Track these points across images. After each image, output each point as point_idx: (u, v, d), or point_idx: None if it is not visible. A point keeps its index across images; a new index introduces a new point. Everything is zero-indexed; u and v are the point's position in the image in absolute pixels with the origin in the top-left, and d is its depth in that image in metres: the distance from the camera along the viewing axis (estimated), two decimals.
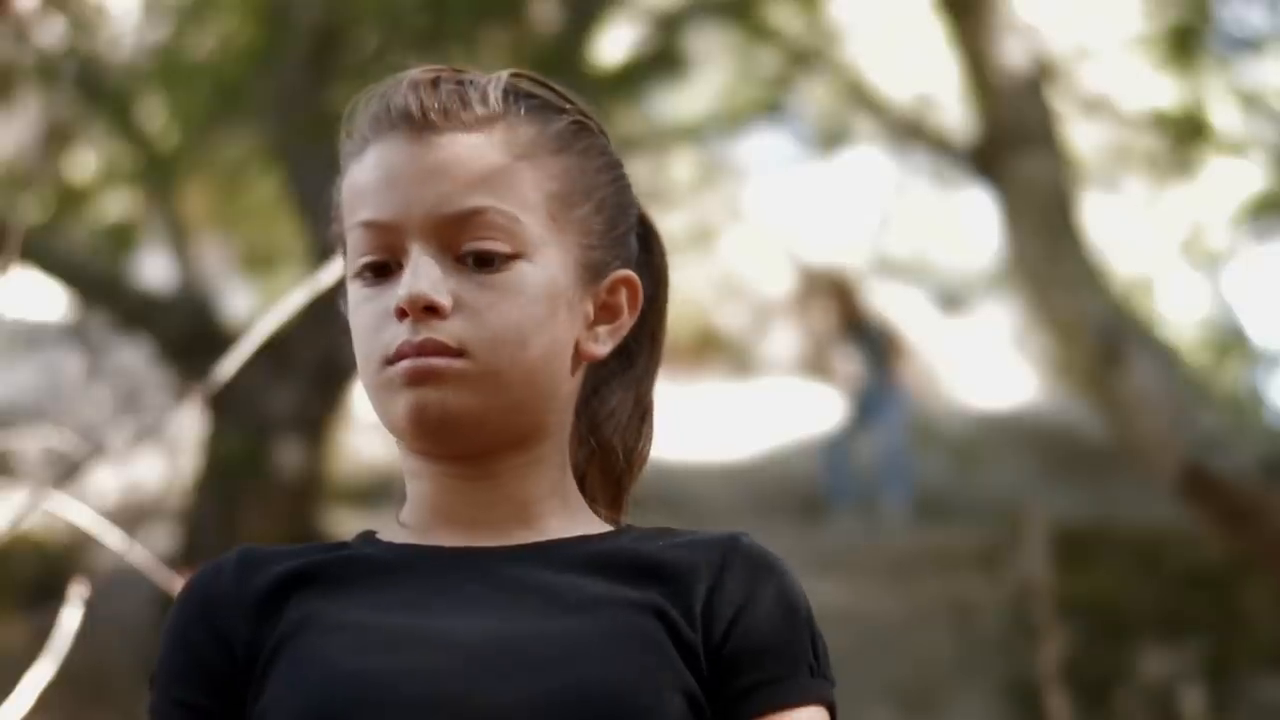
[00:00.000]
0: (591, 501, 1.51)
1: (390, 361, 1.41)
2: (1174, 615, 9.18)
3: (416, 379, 1.40)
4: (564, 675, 1.34)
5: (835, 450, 11.46)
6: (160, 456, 9.81)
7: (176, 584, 2.42)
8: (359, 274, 1.45)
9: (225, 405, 8.39)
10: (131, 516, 8.61)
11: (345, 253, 1.49)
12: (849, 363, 11.79)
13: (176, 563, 4.02)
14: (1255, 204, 10.62)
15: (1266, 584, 8.54)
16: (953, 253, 14.92)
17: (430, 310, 1.40)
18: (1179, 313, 12.83)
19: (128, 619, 7.61)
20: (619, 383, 1.54)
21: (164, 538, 9.03)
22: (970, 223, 13.82)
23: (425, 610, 1.40)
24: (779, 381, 14.29)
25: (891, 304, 14.13)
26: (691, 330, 14.16)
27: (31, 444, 6.96)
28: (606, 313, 1.49)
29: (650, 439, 1.57)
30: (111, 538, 2.64)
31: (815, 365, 14.42)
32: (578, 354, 1.47)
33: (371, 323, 1.43)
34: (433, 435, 1.42)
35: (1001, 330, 15.20)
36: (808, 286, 14.99)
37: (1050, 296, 8.09)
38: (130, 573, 2.82)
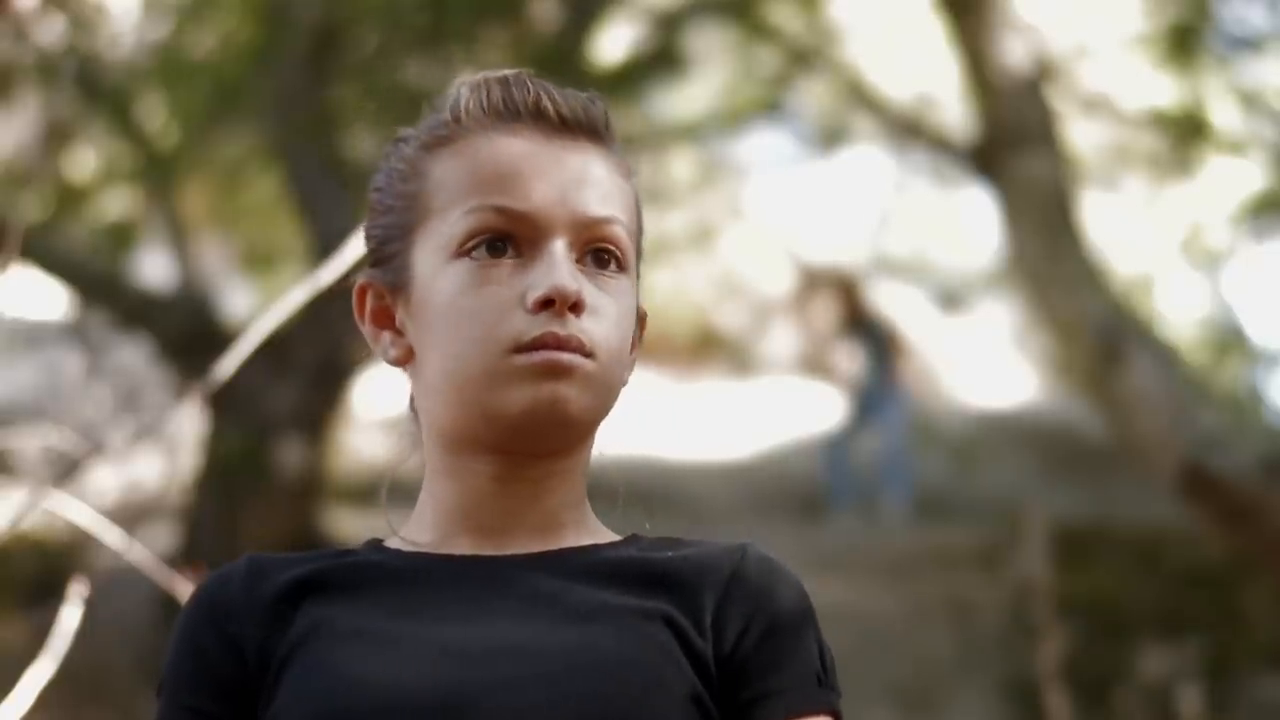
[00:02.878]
0: None
1: (522, 349, 1.41)
2: (1173, 615, 9.17)
3: (554, 372, 1.40)
4: (574, 683, 1.35)
5: (835, 449, 11.44)
6: (160, 456, 9.80)
7: (176, 583, 2.42)
8: (465, 254, 1.44)
9: (225, 404, 8.38)
10: (131, 516, 8.60)
11: (390, 228, 1.49)
12: (850, 361, 11.77)
13: (176, 562, 4.02)
14: (1255, 203, 10.61)
15: (1266, 583, 8.54)
16: (953, 252, 14.90)
17: (573, 307, 1.41)
18: (1179, 312, 12.81)
19: (128, 618, 7.60)
20: None
21: (164, 537, 9.02)
22: (970, 222, 13.80)
23: (435, 617, 1.40)
24: (779, 381, 14.28)
25: (891, 303, 14.12)
26: (691, 330, 14.15)
27: (31, 443, 6.96)
28: (632, 341, 1.52)
29: None
30: (111, 537, 2.64)
31: (815, 364, 14.42)
32: None
33: (494, 306, 1.42)
34: (547, 430, 1.42)
35: (1001, 330, 15.19)
36: (808, 286, 14.98)
37: (1050, 296, 8.09)
38: (130, 572, 2.81)
